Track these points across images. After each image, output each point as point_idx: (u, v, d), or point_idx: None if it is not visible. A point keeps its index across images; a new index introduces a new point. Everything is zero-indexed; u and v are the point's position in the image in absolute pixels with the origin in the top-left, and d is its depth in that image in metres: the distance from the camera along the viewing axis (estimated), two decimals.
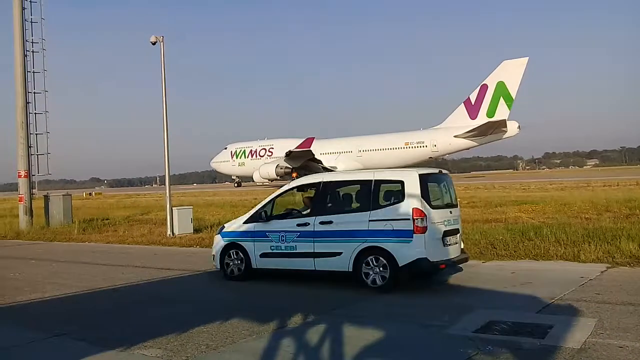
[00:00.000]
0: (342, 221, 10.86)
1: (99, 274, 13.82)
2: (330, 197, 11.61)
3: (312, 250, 11.08)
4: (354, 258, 10.47)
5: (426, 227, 10.11)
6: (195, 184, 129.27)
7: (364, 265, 10.41)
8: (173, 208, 22.12)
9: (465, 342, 6.89)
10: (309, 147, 76.14)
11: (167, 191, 23.08)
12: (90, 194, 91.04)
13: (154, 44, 22.89)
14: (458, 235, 11.19)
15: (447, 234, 10.60)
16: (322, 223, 11.00)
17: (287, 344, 7.16)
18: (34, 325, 8.67)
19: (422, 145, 76.47)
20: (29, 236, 24.97)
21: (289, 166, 75.45)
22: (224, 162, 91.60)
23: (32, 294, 11.31)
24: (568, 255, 12.86)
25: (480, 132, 72.75)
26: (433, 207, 10.46)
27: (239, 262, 12.11)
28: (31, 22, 29.41)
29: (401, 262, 10.03)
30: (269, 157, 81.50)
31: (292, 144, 79.53)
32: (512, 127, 72.45)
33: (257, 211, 12.30)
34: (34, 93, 29.45)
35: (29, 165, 28.84)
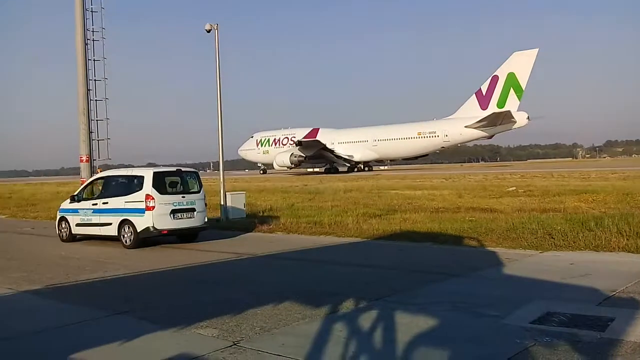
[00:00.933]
0: (113, 202, 16.31)
1: (155, 255, 14.29)
2: (109, 186, 17.22)
3: (99, 222, 16.63)
4: (117, 226, 15.90)
5: (154, 206, 15.38)
6: (247, 170, 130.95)
7: (123, 230, 15.80)
8: (226, 193, 22.53)
9: (521, 333, 6.74)
10: (315, 137, 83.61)
11: (221, 176, 23.53)
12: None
13: (208, 31, 23.28)
14: (194, 212, 16.35)
15: (176, 211, 15.78)
16: (104, 203, 16.56)
17: (340, 328, 7.20)
18: (96, 303, 9.05)
19: (434, 135, 79.64)
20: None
21: (302, 155, 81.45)
22: (250, 150, 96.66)
23: (94, 273, 11.81)
24: (631, 247, 12.33)
25: (489, 122, 74.31)
26: (163, 194, 15.71)
27: (66, 229, 17.76)
28: (91, 11, 30.35)
29: (138, 229, 15.45)
30: (290, 146, 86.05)
31: (322, 133, 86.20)
32: (521, 118, 73.80)
33: (73, 195, 18.03)
34: (95, 80, 30.49)
35: (90, 150, 29.95)
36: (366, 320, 7.52)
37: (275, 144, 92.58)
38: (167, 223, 15.59)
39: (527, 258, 12.10)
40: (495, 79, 76.79)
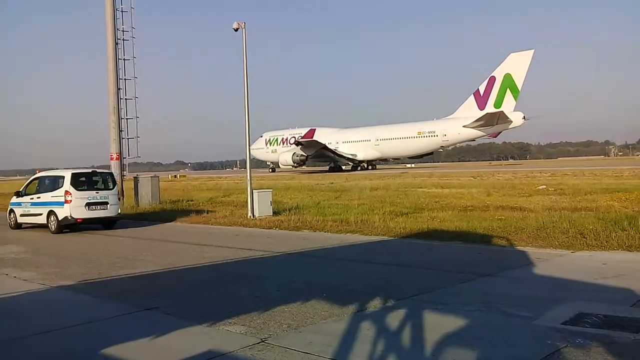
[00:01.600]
0: (43, 197, 20.62)
1: (185, 252, 14.45)
2: (42, 184, 21.29)
3: (35, 212, 20.91)
4: (46, 216, 20.21)
5: (71, 200, 19.63)
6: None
7: (49, 219, 20.13)
8: (253, 191, 22.67)
9: (553, 334, 6.62)
10: (312, 137, 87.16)
11: (248, 174, 23.68)
12: (175, 176, 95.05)
13: (236, 30, 23.38)
14: (107, 205, 20.35)
15: (90, 204, 19.94)
16: (38, 197, 20.93)
17: (367, 327, 7.16)
18: (126, 299, 9.19)
19: (433, 134, 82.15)
20: (120, 215, 26.37)
21: (304, 154, 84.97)
22: (259, 149, 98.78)
23: (125, 269, 11.99)
24: None
25: (486, 122, 76.54)
26: (79, 190, 19.86)
27: (14, 219, 21.97)
28: (121, 11, 30.86)
29: (59, 217, 19.77)
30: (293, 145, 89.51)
31: (323, 133, 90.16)
32: (517, 118, 75.89)
33: (18, 192, 22.07)
34: (125, 79, 30.99)
35: (120, 148, 30.47)
36: (394, 319, 7.47)
37: (283, 144, 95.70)
38: (82, 213, 19.80)
39: (558, 258, 11.88)
40: (492, 80, 78.75)
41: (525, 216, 18.15)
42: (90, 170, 21.49)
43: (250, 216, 21.99)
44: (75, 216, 19.68)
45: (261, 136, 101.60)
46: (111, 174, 22.05)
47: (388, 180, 46.06)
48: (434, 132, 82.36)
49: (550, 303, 8.06)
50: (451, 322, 7.22)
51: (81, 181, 20.24)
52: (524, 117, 77.49)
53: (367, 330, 7.03)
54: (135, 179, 30.69)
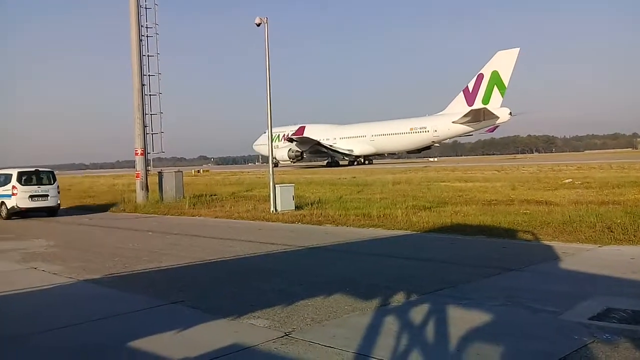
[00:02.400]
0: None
1: (209, 246, 14.58)
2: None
3: None
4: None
5: (17, 193, 24.44)
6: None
7: (1, 209, 25.03)
8: (276, 185, 22.75)
9: (580, 329, 6.53)
10: (302, 134, 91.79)
11: (270, 169, 23.77)
12: (198, 171, 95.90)
13: (258, 25, 23.44)
14: (47, 197, 25.25)
15: (33, 196, 24.83)
16: (3, 191, 25.04)
17: (391, 321, 7.15)
18: (152, 292, 9.32)
19: (424, 130, 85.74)
20: (145, 210, 26.80)
21: (299, 150, 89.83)
22: (262, 145, 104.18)
23: (150, 263, 12.15)
24: None
25: (473, 118, 79.73)
26: (23, 185, 24.66)
27: None
28: (145, 7, 31.15)
29: (8, 207, 24.68)
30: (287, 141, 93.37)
31: (320, 130, 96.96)
32: (503, 114, 79.46)
33: None
34: (149, 76, 31.30)
35: (144, 144, 30.81)
36: (418, 314, 7.44)
37: (283, 140, 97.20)
38: (26, 203, 24.77)
39: (585, 252, 11.69)
40: (480, 77, 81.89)
41: (551, 210, 17.90)
42: (33, 170, 26.09)
43: (272, 210, 22.08)
44: (20, 206, 24.67)
45: (264, 132, 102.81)
46: (52, 172, 26.58)
47: (410, 174, 45.81)
48: (426, 127, 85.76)
49: (577, 298, 7.95)
50: (476, 317, 7.16)
51: (25, 178, 25.02)
52: (510, 113, 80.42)
53: (390, 324, 7.01)
54: (160, 174, 31.01)
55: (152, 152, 31.86)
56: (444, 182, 35.83)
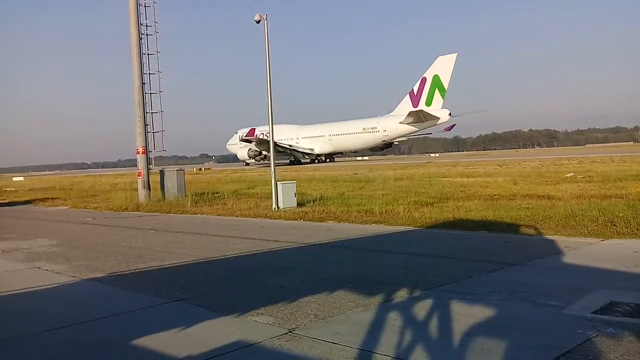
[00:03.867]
0: None
1: (211, 244, 14.59)
2: None
3: None
4: None
5: None
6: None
7: None
8: (277, 183, 22.76)
9: (583, 323, 6.53)
10: (252, 135, 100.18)
11: (272, 166, 23.78)
12: (200, 169, 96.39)
13: (258, 22, 23.41)
14: None
15: None
16: None
17: (394, 317, 7.15)
18: (155, 290, 9.33)
19: (375, 130, 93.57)
20: (147, 208, 26.80)
21: (257, 149, 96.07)
22: (234, 145, 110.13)
23: (153, 261, 12.17)
24: None
25: (415, 119, 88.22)
26: None
27: None
28: (145, 6, 31.10)
29: None
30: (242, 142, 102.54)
31: (285, 130, 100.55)
32: (443, 114, 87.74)
33: None
34: (149, 74, 31.29)
35: (146, 142, 30.82)
36: (421, 309, 7.45)
37: (240, 140, 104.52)
38: None
39: (588, 246, 11.68)
40: (424, 80, 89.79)
41: (553, 204, 17.88)
42: None
43: (274, 208, 22.09)
44: None
45: (236, 132, 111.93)
46: None
47: (412, 170, 45.78)
48: (376, 128, 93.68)
49: (580, 292, 7.94)
50: (479, 312, 7.16)
51: None
52: (449, 114, 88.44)
53: (394, 320, 7.02)
54: (161, 172, 31.03)
55: (153, 151, 31.88)
56: (445, 177, 35.81)
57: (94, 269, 11.54)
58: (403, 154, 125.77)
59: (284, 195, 22.42)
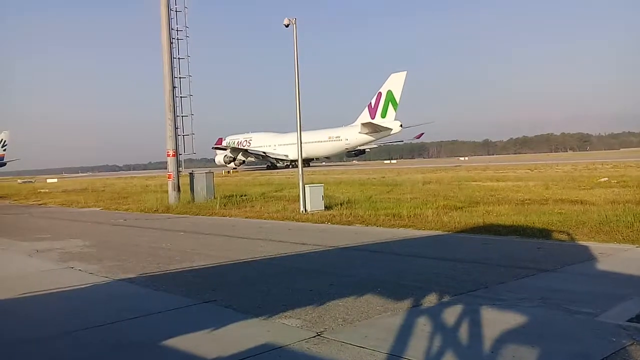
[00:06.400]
0: None
1: (240, 246, 14.71)
2: None
3: None
4: None
5: None
6: (324, 162, 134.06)
7: None
8: (305, 186, 22.81)
9: (617, 331, 6.38)
10: (220, 144, 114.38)
11: (300, 169, 23.86)
12: (228, 171, 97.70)
13: (287, 26, 23.55)
14: None
15: None
16: None
17: (423, 322, 7.09)
18: (185, 291, 9.44)
19: (339, 139, 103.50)
20: (177, 210, 27.17)
21: (231, 156, 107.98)
22: (221, 152, 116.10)
23: (183, 263, 12.32)
24: None
25: (370, 130, 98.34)
26: None
27: None
28: (176, 11, 31.58)
29: None
30: (248, 147, 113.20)
31: (265, 137, 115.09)
32: (395, 126, 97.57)
33: None
34: (180, 78, 31.75)
35: (176, 145, 31.25)
36: (451, 315, 7.37)
37: (238, 145, 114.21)
38: None
39: (623, 253, 11.41)
40: (379, 95, 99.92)
41: (587, 210, 17.52)
42: None
43: (302, 211, 22.15)
44: None
45: (224, 139, 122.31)
46: None
47: (441, 174, 45.37)
48: (340, 137, 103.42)
49: (614, 299, 7.76)
50: (510, 319, 7.05)
51: None
52: (400, 125, 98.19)
53: (423, 325, 6.96)
54: (191, 175, 31.42)
55: (183, 154, 32.35)
56: (475, 181, 35.39)
57: (126, 269, 11.74)
58: (432, 157, 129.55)
59: (312, 198, 22.47)
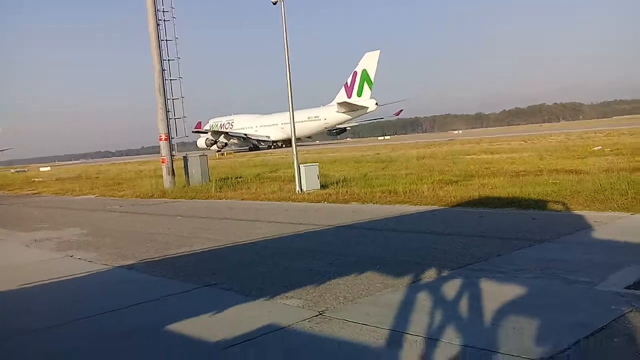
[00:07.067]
0: None
1: (237, 229, 14.72)
2: None
3: None
4: None
5: None
6: (317, 142, 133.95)
7: None
8: (300, 165, 22.77)
9: (616, 299, 6.46)
10: (200, 128, 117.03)
11: (294, 149, 23.77)
12: (222, 154, 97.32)
13: (274, 3, 23.24)
14: None
15: None
16: None
17: (423, 297, 7.15)
18: (185, 276, 9.47)
19: (317, 118, 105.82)
20: (172, 195, 27.11)
21: (212, 139, 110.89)
22: (205, 134, 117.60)
23: (181, 247, 12.33)
24: None
25: (347, 109, 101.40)
26: None
27: None
28: None
29: None
30: (230, 129, 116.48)
31: (245, 119, 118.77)
32: (371, 104, 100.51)
33: None
34: (168, 60, 31.38)
35: (168, 129, 31.03)
36: (450, 289, 7.43)
37: (221, 128, 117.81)
38: None
39: (618, 221, 11.49)
40: (355, 74, 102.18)
41: (581, 179, 17.61)
42: None
43: (298, 191, 22.15)
44: None
45: (208, 122, 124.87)
46: None
47: (435, 149, 45.41)
48: (318, 116, 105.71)
49: (612, 267, 7.84)
50: (509, 290, 7.12)
51: None
52: (376, 104, 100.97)
53: (423, 300, 7.02)
54: (185, 158, 31.26)
55: (175, 137, 32.11)
56: (469, 155, 35.45)
57: (125, 256, 11.75)
58: (425, 132, 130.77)
59: (307, 178, 22.44)
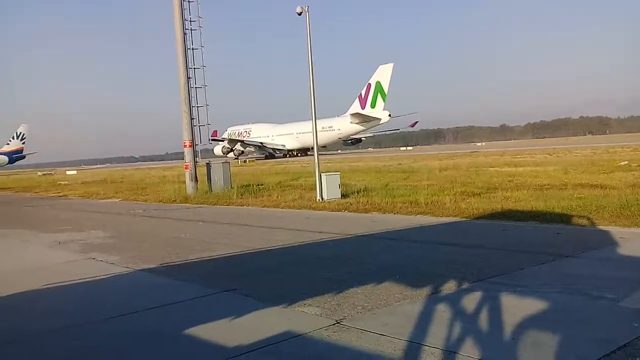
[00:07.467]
0: None
1: (258, 235, 14.78)
2: None
3: None
4: None
5: None
6: (339, 150, 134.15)
7: None
8: (321, 174, 22.81)
9: None
10: (216, 136, 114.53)
11: (316, 158, 23.85)
12: (245, 161, 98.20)
13: (299, 14, 23.41)
14: None
15: None
16: None
17: (442, 309, 7.09)
18: (205, 281, 9.53)
19: (332, 129, 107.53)
20: (194, 200, 27.33)
21: (229, 147, 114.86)
22: (223, 142, 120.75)
23: (203, 252, 12.43)
24: None
25: (360, 120, 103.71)
26: None
27: None
28: (189, 1, 31.56)
29: None
30: (247, 137, 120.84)
31: (264, 128, 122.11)
32: (384, 115, 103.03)
33: None
34: (194, 69, 31.79)
35: (192, 136, 31.38)
36: (470, 301, 7.35)
37: (239, 136, 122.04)
38: None
39: None
40: (369, 86, 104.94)
41: (607, 194, 17.30)
42: None
43: (319, 199, 22.16)
44: None
45: (226, 130, 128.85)
46: None
47: (457, 160, 45.07)
48: (332, 127, 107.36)
49: (636, 284, 7.70)
50: (531, 305, 7.01)
51: None
52: (389, 115, 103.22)
53: (442, 312, 6.96)
54: (208, 165, 31.54)
55: (199, 144, 32.42)
56: (493, 167, 35.12)
57: (146, 259, 11.88)
58: (447, 143, 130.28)
59: (328, 187, 22.46)
